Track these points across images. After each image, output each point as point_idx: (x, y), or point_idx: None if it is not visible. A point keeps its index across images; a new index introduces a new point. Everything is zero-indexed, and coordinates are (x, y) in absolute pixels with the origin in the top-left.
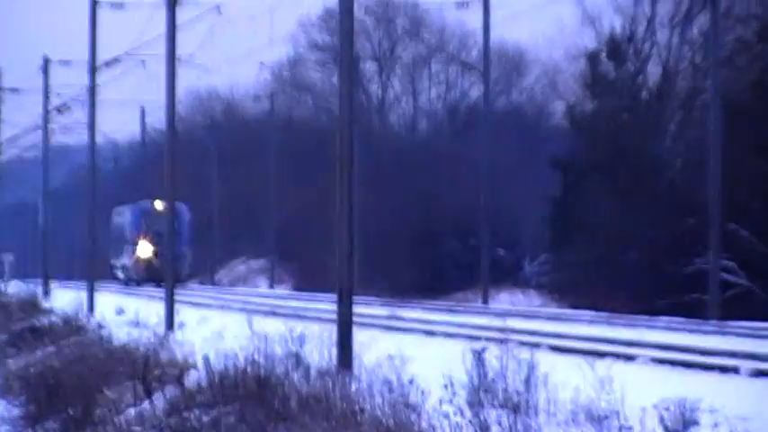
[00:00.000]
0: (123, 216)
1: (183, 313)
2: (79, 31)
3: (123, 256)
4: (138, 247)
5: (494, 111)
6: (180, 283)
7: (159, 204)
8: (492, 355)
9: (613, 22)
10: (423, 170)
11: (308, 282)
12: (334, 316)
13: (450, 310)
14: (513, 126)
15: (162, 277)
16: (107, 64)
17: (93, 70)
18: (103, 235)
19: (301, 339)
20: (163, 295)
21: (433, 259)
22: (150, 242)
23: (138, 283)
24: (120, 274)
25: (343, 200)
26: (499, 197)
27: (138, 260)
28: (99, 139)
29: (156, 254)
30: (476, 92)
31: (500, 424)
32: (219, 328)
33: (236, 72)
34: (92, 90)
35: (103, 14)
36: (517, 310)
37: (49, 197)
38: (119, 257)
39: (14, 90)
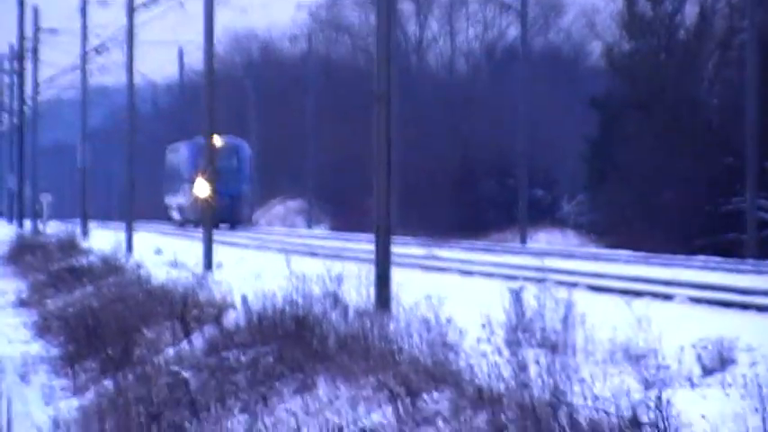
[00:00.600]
0: (178, 153)
1: (221, 253)
2: None
3: (179, 196)
4: (196, 186)
5: (531, 51)
6: (240, 224)
7: (218, 140)
8: (530, 294)
9: None
10: (460, 110)
11: (346, 222)
12: (372, 256)
13: (488, 250)
14: (550, 66)
15: (222, 218)
16: (145, 5)
17: (131, 11)
18: (158, 174)
19: (339, 279)
20: (201, 235)
21: (471, 199)
22: (208, 180)
23: (196, 225)
24: (176, 215)
25: (380, 139)
26: (537, 137)
27: (195, 199)
28: (137, 79)
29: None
30: (513, 32)
31: (538, 363)
32: (258, 268)
33: (273, 12)
34: (130, 31)
35: None
36: (555, 250)
37: (87, 138)
38: (174, 197)
39: (52, 30)
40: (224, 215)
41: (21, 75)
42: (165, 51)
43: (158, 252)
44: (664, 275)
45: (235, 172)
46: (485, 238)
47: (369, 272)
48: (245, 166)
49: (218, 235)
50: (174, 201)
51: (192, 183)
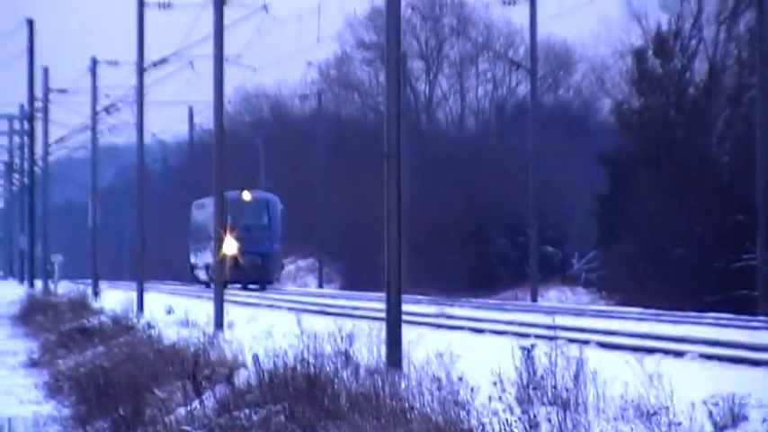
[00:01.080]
0: (205, 209)
1: (233, 312)
2: (127, 31)
3: (206, 254)
4: (224, 244)
5: (541, 108)
6: (270, 284)
7: (247, 195)
8: (541, 352)
9: (660, 19)
10: (471, 168)
11: (356, 280)
12: (383, 314)
13: (499, 308)
14: (560, 123)
15: (252, 278)
16: (155, 64)
17: (140, 71)
18: (169, 233)
19: (350, 338)
20: (213, 295)
21: (482, 257)
22: (236, 238)
23: (224, 285)
24: (203, 275)
25: (391, 197)
26: (547, 194)
27: (223, 258)
28: (147, 138)
29: (241, 251)
30: (523, 89)
31: (549, 421)
32: (268, 326)
33: (283, 71)
34: (140, 90)
35: (151, 14)
36: (565, 308)
37: (97, 197)
38: (201, 256)
39: (62, 91)
40: (254, 275)
41: (31, 135)
42: (176, 110)
43: (169, 311)
44: (675, 332)
45: (265, 229)
46: (495, 296)
47: (380, 330)
48: (276, 222)
49: (228, 294)
50: (201, 260)
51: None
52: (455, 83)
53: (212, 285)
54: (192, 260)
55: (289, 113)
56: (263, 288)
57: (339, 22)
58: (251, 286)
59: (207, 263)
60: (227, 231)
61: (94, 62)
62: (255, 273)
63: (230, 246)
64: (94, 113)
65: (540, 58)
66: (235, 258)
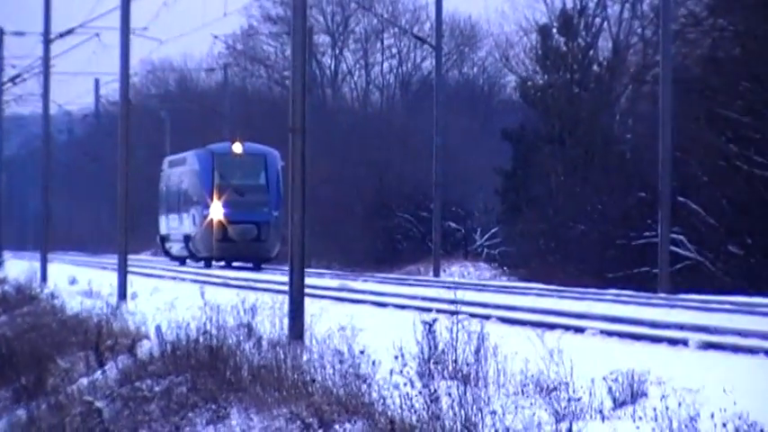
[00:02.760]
0: (185, 166)
1: (136, 284)
2: (34, 2)
3: (183, 223)
4: (211, 209)
5: (446, 84)
6: (266, 261)
7: (239, 147)
8: (442, 326)
9: None
10: (376, 142)
11: None
12: (286, 287)
13: (402, 282)
14: (465, 99)
15: (245, 253)
16: (61, 35)
17: (47, 42)
18: (149, 197)
19: (253, 310)
20: (118, 266)
21: (386, 231)
22: (226, 203)
23: (208, 263)
24: (177, 249)
25: (295, 171)
26: (451, 170)
27: (209, 227)
28: (53, 109)
29: (231, 220)
30: (428, 65)
31: (450, 395)
32: (172, 298)
33: (189, 44)
34: (46, 61)
35: None
36: (467, 283)
37: (3, 167)
38: (175, 226)
39: None
40: (247, 250)
41: None
42: (82, 82)
43: (73, 282)
44: (576, 308)
45: (262, 191)
46: (399, 270)
47: (283, 303)
48: (275, 182)
49: (133, 266)
50: (178, 230)
51: (206, 206)
52: (360, 58)
53: (193, 262)
54: (163, 231)
55: (195, 86)
56: (257, 267)
57: None
58: (239, 264)
59: (186, 233)
60: (214, 193)
61: (0, 32)
62: (249, 247)
63: (217, 211)
64: (0, 84)
65: (445, 34)
66: (223, 228)
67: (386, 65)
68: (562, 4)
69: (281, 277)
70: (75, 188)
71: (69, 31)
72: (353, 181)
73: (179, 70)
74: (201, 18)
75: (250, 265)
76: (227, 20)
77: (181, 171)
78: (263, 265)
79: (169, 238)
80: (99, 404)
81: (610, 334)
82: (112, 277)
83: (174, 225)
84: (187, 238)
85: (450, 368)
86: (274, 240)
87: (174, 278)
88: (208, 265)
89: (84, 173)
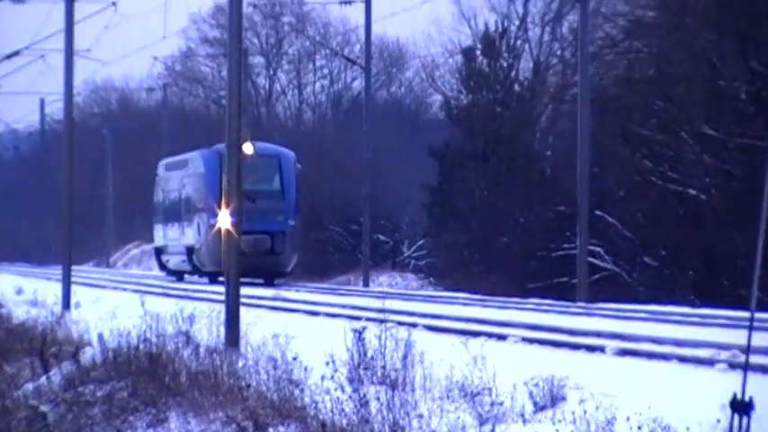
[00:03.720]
0: (186, 169)
1: (79, 293)
2: None
3: (186, 234)
4: (219, 217)
5: (375, 103)
6: (281, 276)
7: (250, 148)
8: (371, 334)
9: (488, 20)
10: (308, 159)
11: None
12: (223, 297)
13: (333, 292)
14: (393, 117)
15: (257, 267)
16: (8, 57)
17: None
18: (143, 206)
19: (191, 319)
20: (62, 276)
21: (318, 243)
22: (234, 209)
23: (213, 279)
24: (178, 264)
25: (232, 184)
26: (380, 185)
27: (216, 237)
28: (0, 127)
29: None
30: (358, 85)
31: (378, 399)
32: (113, 307)
33: (131, 65)
34: None
35: (4, 8)
36: (396, 292)
37: None
38: (177, 236)
39: None
40: (260, 263)
41: None
42: (28, 101)
43: (19, 292)
44: (499, 317)
45: (277, 197)
46: (330, 280)
47: (219, 312)
48: (291, 186)
49: (76, 276)
50: (178, 241)
51: (213, 214)
52: (293, 78)
53: (195, 277)
54: (159, 242)
55: (136, 105)
56: (270, 282)
57: (184, 20)
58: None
59: (189, 245)
60: (222, 199)
61: None
62: (262, 261)
63: (225, 220)
64: None
65: (374, 56)
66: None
67: (318, 85)
68: (485, 28)
69: (218, 287)
70: (21, 202)
71: (15, 53)
72: None
73: (120, 90)
74: (142, 40)
75: (260, 281)
76: (167, 42)
77: (181, 175)
78: (275, 281)
79: (166, 250)
80: (44, 408)
81: (531, 341)
82: (57, 287)
83: (173, 236)
84: (190, 251)
85: (379, 374)
86: (290, 253)
87: (115, 288)
88: (213, 281)
89: (30, 187)
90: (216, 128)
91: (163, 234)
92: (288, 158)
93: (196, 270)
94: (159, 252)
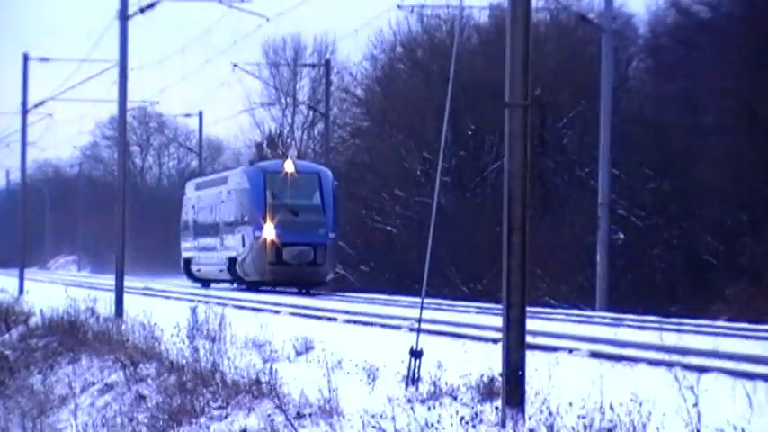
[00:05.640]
0: (226, 185)
1: (28, 285)
2: None
3: (227, 245)
4: (265, 230)
5: (204, 174)
6: (320, 285)
7: (291, 165)
8: (201, 309)
9: (270, 126)
10: (166, 209)
11: (101, 268)
12: (113, 287)
13: (182, 285)
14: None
15: (300, 277)
16: None
17: None
18: (65, 233)
19: (95, 300)
20: (18, 274)
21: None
22: (281, 223)
23: (258, 287)
24: (215, 273)
25: (119, 223)
26: None
27: (262, 249)
28: None
29: (285, 242)
30: (195, 164)
31: (204, 348)
32: (48, 293)
33: (60, 150)
34: None
35: None
36: (219, 288)
37: None
38: (216, 247)
39: None
40: (302, 273)
41: None
42: None
43: None
44: (274, 300)
45: (318, 211)
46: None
47: (111, 296)
48: (330, 202)
49: (28, 274)
50: (216, 252)
51: (258, 227)
52: (157, 159)
53: (237, 285)
54: (189, 254)
55: (64, 174)
56: (306, 292)
57: (92, 124)
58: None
59: (231, 256)
60: (267, 214)
61: None
62: (304, 271)
63: (270, 232)
64: None
65: (204, 146)
66: (277, 250)
67: (171, 163)
68: (269, 131)
69: (110, 281)
70: None
71: None
72: (153, 230)
73: (54, 165)
74: (68, 136)
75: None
76: (84, 137)
77: (220, 191)
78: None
79: (197, 260)
80: (7, 352)
81: (295, 315)
82: (14, 281)
83: (208, 247)
84: (232, 261)
85: (205, 333)
86: (330, 264)
87: (51, 282)
88: (255, 289)
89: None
90: (112, 189)
91: (194, 246)
92: (326, 176)
93: (237, 279)
94: (188, 262)
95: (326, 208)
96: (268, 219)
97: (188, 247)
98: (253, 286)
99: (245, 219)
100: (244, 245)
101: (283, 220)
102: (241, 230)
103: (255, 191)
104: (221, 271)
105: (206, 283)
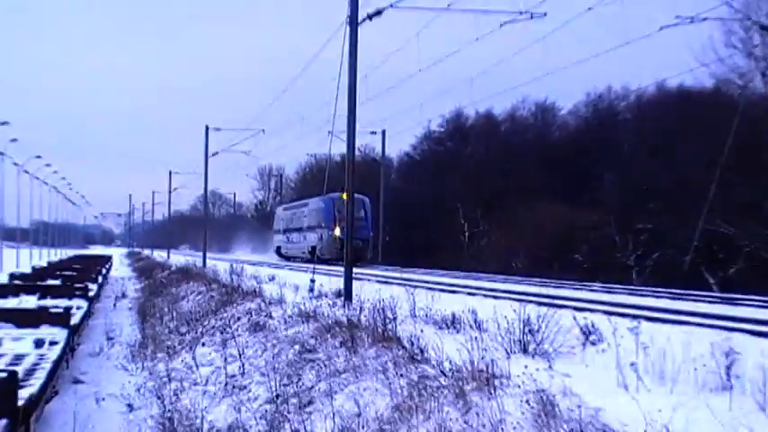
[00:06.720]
0: (309, 207)
1: (173, 257)
2: None
3: (309, 240)
4: (335, 230)
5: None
6: (365, 261)
7: (346, 195)
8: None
9: (259, 196)
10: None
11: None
12: (201, 257)
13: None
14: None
15: (356, 256)
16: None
17: None
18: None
19: (195, 262)
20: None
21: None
22: (343, 227)
23: (329, 261)
24: (300, 254)
25: (204, 233)
26: None
27: (334, 241)
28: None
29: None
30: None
31: (233, 278)
32: (178, 258)
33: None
34: None
35: None
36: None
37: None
38: (300, 241)
39: None
40: (354, 253)
41: None
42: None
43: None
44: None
45: (363, 220)
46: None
47: (199, 260)
48: (369, 216)
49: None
50: (300, 243)
51: (330, 229)
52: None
53: (316, 260)
54: (279, 244)
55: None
56: (361, 265)
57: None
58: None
59: (313, 245)
60: (336, 221)
61: None
62: (356, 252)
63: (338, 232)
64: None
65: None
66: (341, 242)
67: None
68: (260, 198)
69: (319, 266)
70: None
71: None
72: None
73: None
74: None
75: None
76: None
77: (303, 210)
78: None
79: (285, 247)
80: (163, 279)
81: (291, 269)
82: (164, 253)
83: (295, 241)
84: (313, 248)
85: (237, 272)
86: (369, 249)
87: (181, 255)
88: (326, 263)
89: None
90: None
91: (285, 241)
92: (368, 201)
93: (314, 259)
94: (279, 248)
95: (367, 219)
96: (336, 225)
97: (279, 239)
98: (324, 262)
99: (324, 225)
100: (321, 239)
101: (344, 226)
102: (321, 231)
103: (328, 209)
104: (303, 253)
105: (288, 259)
